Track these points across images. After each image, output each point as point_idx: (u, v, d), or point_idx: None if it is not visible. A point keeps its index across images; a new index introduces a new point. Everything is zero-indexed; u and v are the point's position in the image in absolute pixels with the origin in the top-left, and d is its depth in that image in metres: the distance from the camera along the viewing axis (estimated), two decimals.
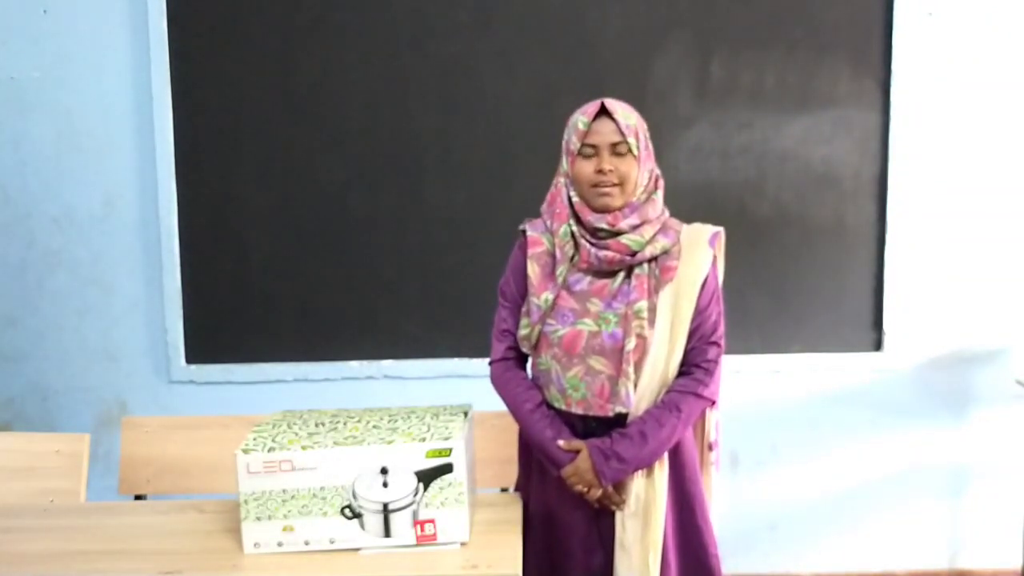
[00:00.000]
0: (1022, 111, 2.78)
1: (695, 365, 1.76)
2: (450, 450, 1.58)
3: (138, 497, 2.19)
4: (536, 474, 1.83)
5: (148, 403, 2.85)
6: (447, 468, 1.58)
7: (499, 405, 2.09)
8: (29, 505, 1.97)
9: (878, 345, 2.83)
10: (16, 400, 2.88)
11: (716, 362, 1.78)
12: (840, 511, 2.93)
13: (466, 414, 1.76)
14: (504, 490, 2.07)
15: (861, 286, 2.81)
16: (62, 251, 2.82)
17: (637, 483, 1.75)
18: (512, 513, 1.75)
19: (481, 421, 2.00)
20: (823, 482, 2.92)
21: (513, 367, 1.84)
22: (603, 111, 1.72)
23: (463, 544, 1.60)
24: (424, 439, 1.60)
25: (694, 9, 2.71)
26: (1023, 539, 2.82)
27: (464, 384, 2.70)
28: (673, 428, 1.73)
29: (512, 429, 2.16)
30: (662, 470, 1.76)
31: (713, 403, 1.80)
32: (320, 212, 2.78)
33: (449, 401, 1.88)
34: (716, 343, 1.78)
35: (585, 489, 1.72)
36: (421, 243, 2.79)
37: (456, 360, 2.80)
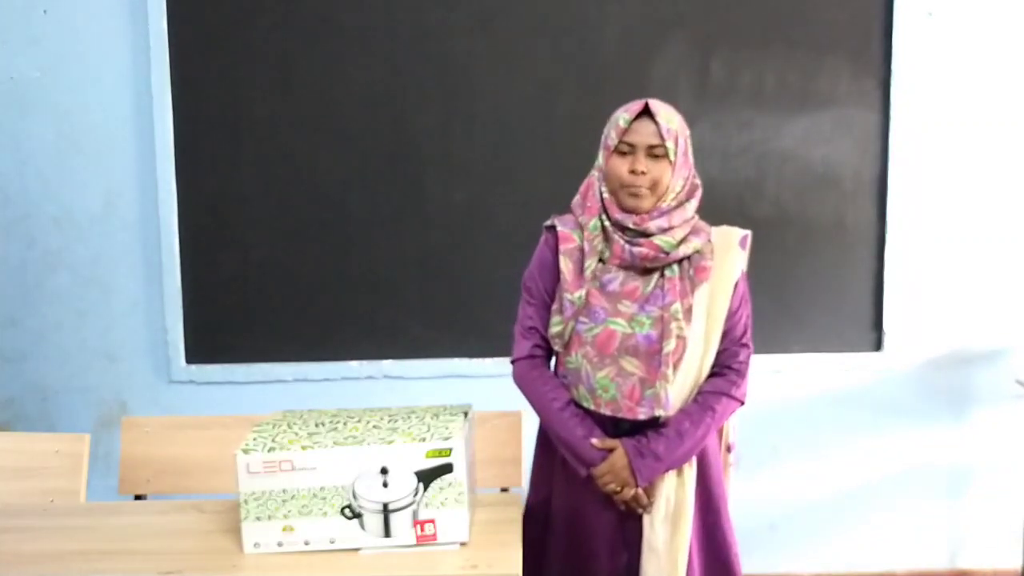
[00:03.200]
0: (1022, 111, 2.78)
1: (727, 367, 1.77)
2: (450, 450, 1.58)
3: (138, 497, 2.18)
4: (560, 475, 1.81)
5: (148, 403, 2.85)
6: (447, 468, 1.58)
7: (499, 405, 2.10)
8: (29, 505, 1.97)
9: (878, 345, 2.83)
10: (16, 400, 2.88)
11: (747, 363, 1.78)
12: (840, 511, 2.93)
13: (466, 414, 1.75)
14: (504, 490, 2.07)
15: (861, 286, 2.81)
16: (62, 251, 2.82)
17: (667, 485, 1.74)
18: (512, 513, 1.75)
19: (481, 421, 2.00)
20: (823, 482, 2.92)
21: (539, 365, 1.81)
22: (646, 111, 1.70)
23: (463, 544, 1.60)
24: (424, 439, 1.60)
25: (694, 9, 2.71)
26: (1023, 539, 2.82)
27: (464, 384, 2.71)
28: (707, 428, 1.73)
29: (512, 429, 2.16)
30: (691, 472, 1.75)
31: (742, 404, 1.79)
32: (320, 212, 2.78)
33: (449, 401, 1.87)
34: (746, 345, 1.79)
35: (618, 488, 1.71)
36: (421, 243, 2.79)
37: (456, 360, 2.80)
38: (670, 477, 1.74)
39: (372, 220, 2.78)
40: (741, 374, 1.77)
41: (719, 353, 1.76)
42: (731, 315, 1.76)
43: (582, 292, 1.73)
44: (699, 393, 1.75)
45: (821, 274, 2.80)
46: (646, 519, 1.75)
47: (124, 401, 2.86)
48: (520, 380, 1.82)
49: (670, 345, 1.69)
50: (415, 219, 2.78)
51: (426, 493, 1.58)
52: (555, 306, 1.78)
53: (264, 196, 2.78)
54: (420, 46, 2.73)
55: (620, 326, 1.71)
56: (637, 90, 2.65)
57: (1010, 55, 2.75)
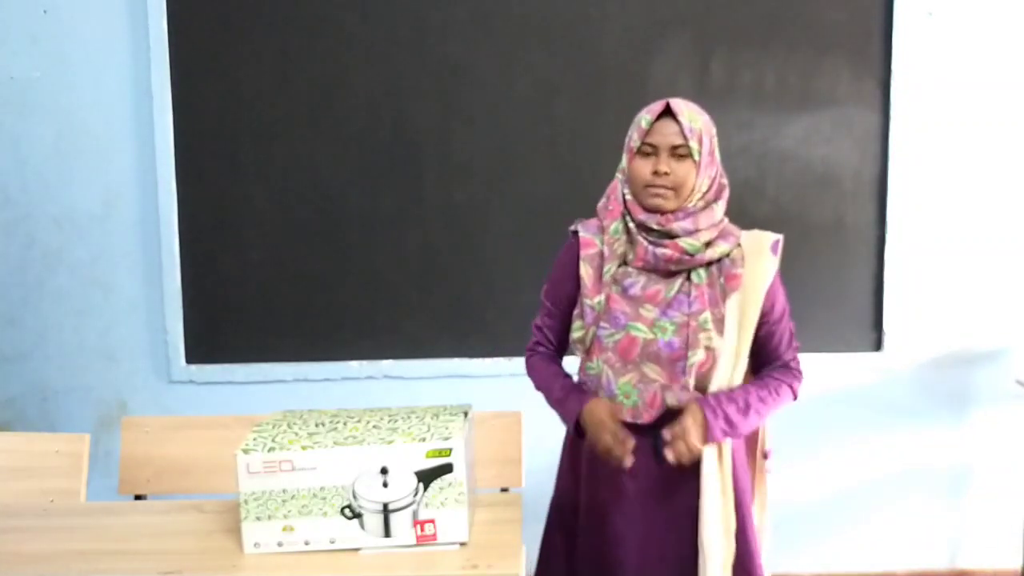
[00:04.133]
0: (1022, 111, 2.78)
1: (785, 366, 1.78)
2: (450, 450, 1.58)
3: (138, 497, 2.19)
4: (587, 480, 1.80)
5: (148, 403, 2.85)
6: (447, 468, 1.58)
7: (499, 405, 2.11)
8: (29, 505, 1.97)
9: (878, 345, 2.83)
10: (16, 400, 2.88)
11: (799, 363, 1.81)
12: (840, 511, 2.93)
13: (466, 414, 1.75)
14: (504, 490, 2.07)
15: (861, 286, 2.81)
16: (62, 251, 2.82)
17: (712, 497, 1.71)
18: (512, 513, 1.75)
19: (481, 421, 2.00)
20: (823, 482, 2.92)
21: (538, 353, 1.86)
22: (668, 111, 1.68)
23: (463, 544, 1.60)
24: (424, 439, 1.60)
25: (694, 9, 2.71)
26: (1023, 539, 2.82)
27: (464, 384, 2.71)
28: (770, 410, 1.74)
29: (512, 429, 2.16)
30: (729, 481, 1.74)
31: (795, 399, 1.80)
32: (320, 212, 2.78)
33: (449, 401, 1.87)
34: (797, 346, 1.81)
35: (697, 447, 1.65)
36: (421, 243, 2.79)
37: (456, 360, 2.80)
38: (717, 491, 1.71)
39: (372, 220, 2.78)
40: (801, 372, 1.79)
41: (776, 358, 1.77)
42: (775, 321, 1.76)
43: (601, 297, 1.72)
44: (765, 375, 1.76)
45: (821, 274, 2.80)
46: (702, 533, 1.70)
47: (124, 401, 2.87)
48: (526, 366, 1.87)
49: (697, 356, 1.67)
50: (415, 219, 2.78)
51: (426, 493, 1.58)
52: (576, 311, 1.77)
53: (264, 196, 2.78)
54: (420, 46, 2.73)
55: (641, 332, 1.70)
56: (637, 90, 2.67)
57: (1010, 55, 2.75)
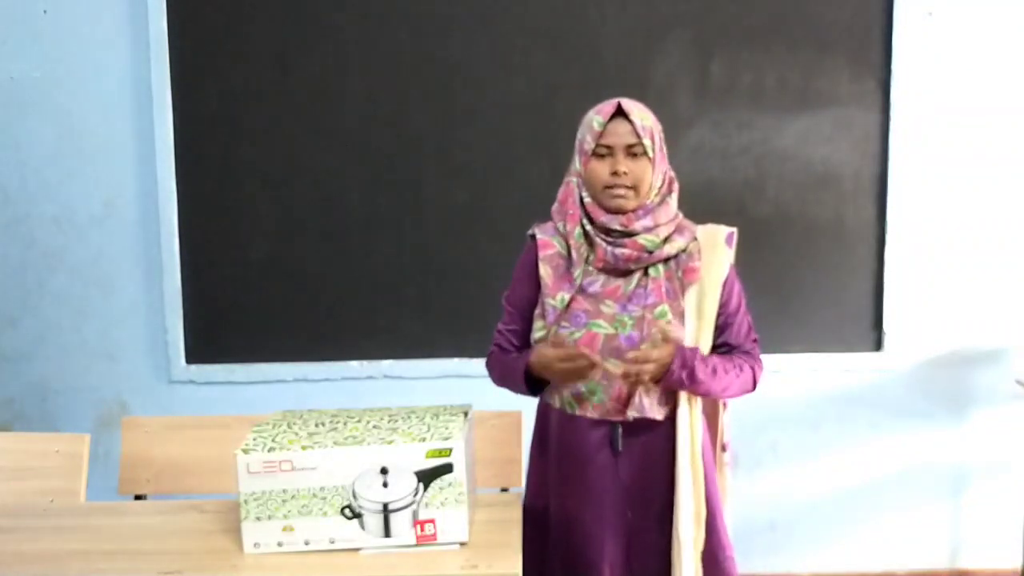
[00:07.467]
0: (1022, 111, 2.78)
1: (748, 354, 1.79)
2: (450, 450, 1.58)
3: (138, 497, 2.19)
4: (555, 480, 1.80)
5: (148, 403, 2.85)
6: (447, 468, 1.58)
7: (499, 405, 2.10)
8: (29, 505, 1.97)
9: (878, 345, 2.83)
10: (16, 400, 2.88)
11: (759, 355, 1.82)
12: (840, 511, 2.93)
13: (466, 414, 1.75)
14: (504, 490, 2.07)
15: (861, 286, 2.81)
16: (62, 251, 2.82)
17: (686, 491, 1.73)
18: (512, 513, 1.75)
19: (481, 421, 2.00)
20: (823, 482, 2.92)
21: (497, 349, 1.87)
22: (619, 111, 1.70)
23: (463, 544, 1.60)
24: (424, 439, 1.60)
25: (694, 9, 2.71)
26: (1023, 539, 2.82)
27: (464, 384, 2.70)
28: (730, 384, 1.74)
29: (512, 429, 2.16)
30: (700, 471, 1.75)
31: (754, 389, 1.81)
32: (320, 212, 2.78)
33: (449, 401, 1.87)
34: (756, 339, 1.82)
35: (646, 375, 1.66)
36: (421, 243, 2.79)
37: (456, 360, 2.80)
38: (690, 482, 1.72)
39: (372, 220, 2.78)
40: (761, 362, 1.80)
41: (733, 349, 1.78)
42: (732, 313, 1.77)
43: (564, 295, 1.73)
44: (733, 352, 1.77)
45: (821, 274, 2.81)
46: (677, 528, 1.72)
47: (124, 401, 2.87)
48: (488, 369, 1.87)
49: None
50: (415, 219, 2.78)
51: (426, 493, 1.58)
52: (537, 311, 1.79)
53: (264, 196, 2.78)
54: (420, 46, 2.73)
55: (602, 328, 1.72)
56: (637, 90, 2.64)
57: (1010, 55, 2.75)
